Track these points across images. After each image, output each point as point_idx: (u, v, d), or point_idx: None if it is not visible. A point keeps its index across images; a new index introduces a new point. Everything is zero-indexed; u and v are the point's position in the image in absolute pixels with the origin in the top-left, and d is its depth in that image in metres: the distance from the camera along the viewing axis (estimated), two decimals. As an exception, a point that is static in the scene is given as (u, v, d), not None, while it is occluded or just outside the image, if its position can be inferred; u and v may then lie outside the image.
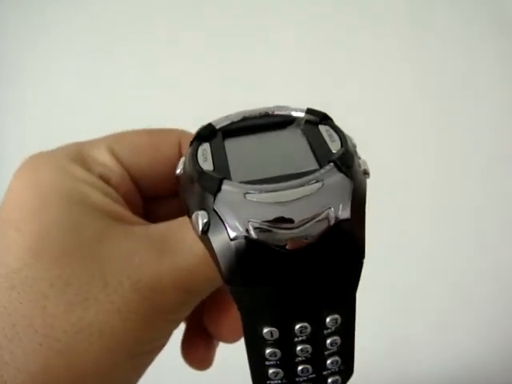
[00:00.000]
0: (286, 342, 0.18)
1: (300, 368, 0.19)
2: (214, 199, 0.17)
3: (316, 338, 0.19)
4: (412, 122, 0.61)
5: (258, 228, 0.16)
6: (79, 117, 0.57)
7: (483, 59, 0.62)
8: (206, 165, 0.19)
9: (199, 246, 0.19)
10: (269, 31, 0.61)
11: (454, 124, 0.62)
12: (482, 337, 0.60)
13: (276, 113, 0.22)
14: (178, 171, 0.20)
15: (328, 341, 0.19)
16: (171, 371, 0.40)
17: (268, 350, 0.19)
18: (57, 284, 0.18)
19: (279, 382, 0.20)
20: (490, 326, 0.60)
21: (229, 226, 0.16)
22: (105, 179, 0.22)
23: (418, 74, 0.62)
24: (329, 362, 0.19)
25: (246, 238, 0.16)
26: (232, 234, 0.16)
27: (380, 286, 0.59)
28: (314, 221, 0.16)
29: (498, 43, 0.62)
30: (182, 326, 0.28)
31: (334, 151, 0.19)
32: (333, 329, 0.19)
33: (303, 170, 0.18)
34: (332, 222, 0.16)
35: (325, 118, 0.21)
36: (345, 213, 0.17)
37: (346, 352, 0.20)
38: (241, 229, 0.16)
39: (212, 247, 0.17)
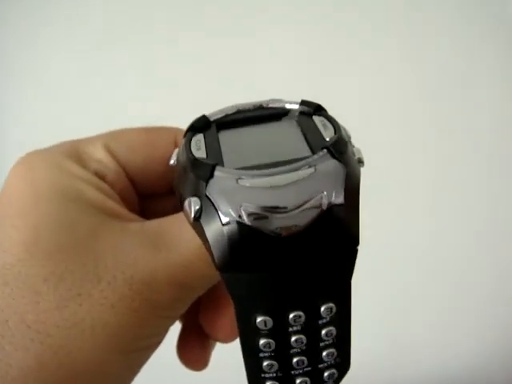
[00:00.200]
0: (280, 332, 0.18)
1: (295, 360, 0.19)
2: (206, 185, 0.17)
3: (311, 328, 0.18)
4: (412, 122, 0.61)
5: (251, 213, 0.16)
6: (79, 116, 0.57)
7: (483, 59, 0.62)
8: (199, 153, 0.19)
9: (195, 242, 0.19)
10: (268, 31, 0.61)
11: (453, 124, 0.62)
12: (482, 337, 0.60)
13: (270, 105, 0.22)
14: (171, 162, 0.20)
15: (323, 331, 0.19)
16: (166, 370, 0.40)
17: (262, 341, 0.18)
18: (50, 280, 0.18)
19: (274, 375, 0.19)
20: (490, 326, 0.60)
21: (221, 212, 0.16)
22: (100, 176, 0.22)
23: (418, 74, 0.62)
24: (324, 353, 0.19)
25: (238, 222, 0.16)
26: (224, 220, 0.16)
27: (380, 286, 0.59)
28: (307, 205, 0.16)
29: (498, 43, 0.62)
30: (178, 326, 0.28)
31: (327, 139, 0.19)
32: (328, 318, 0.18)
33: (296, 157, 0.18)
34: (325, 206, 0.16)
35: (319, 109, 0.21)
36: (338, 198, 0.17)
37: (342, 344, 0.19)
38: (233, 214, 0.16)
39: (204, 234, 0.17)
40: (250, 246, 0.16)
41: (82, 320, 0.18)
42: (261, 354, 0.19)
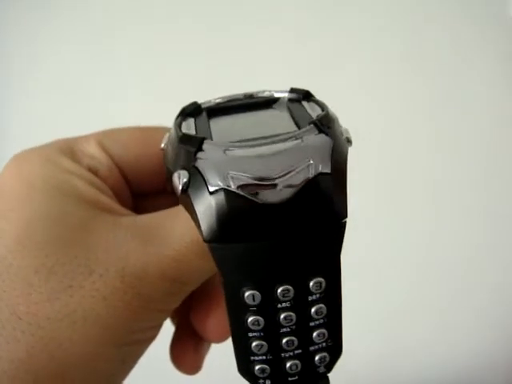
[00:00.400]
0: (268, 308, 0.18)
1: (285, 340, 0.19)
2: (195, 157, 0.17)
3: (300, 306, 0.18)
4: (412, 122, 0.61)
5: (238, 180, 0.16)
6: (78, 116, 0.57)
7: (483, 59, 0.62)
8: (189, 132, 0.19)
9: (187, 237, 0.19)
10: (268, 28, 0.61)
11: (453, 124, 0.61)
12: (482, 337, 0.59)
13: (260, 95, 0.23)
14: (162, 145, 0.20)
15: (313, 309, 0.18)
16: (163, 370, 0.40)
17: (250, 318, 0.18)
18: (41, 271, 0.18)
19: (263, 357, 0.19)
20: (490, 326, 0.60)
21: (209, 181, 0.16)
22: (93, 171, 0.22)
23: (417, 73, 0.62)
24: (315, 334, 0.19)
25: (225, 190, 0.16)
26: (212, 188, 0.16)
27: (380, 286, 0.59)
28: (294, 172, 0.16)
29: (498, 43, 0.62)
30: (172, 329, 0.28)
31: (314, 117, 0.19)
32: (317, 295, 0.18)
33: (283, 131, 0.18)
34: (311, 174, 0.16)
35: (308, 95, 0.22)
36: (325, 167, 0.17)
37: (333, 325, 0.19)
38: (220, 183, 0.16)
39: (192, 205, 0.17)
40: (238, 214, 0.16)
41: (74, 311, 0.18)
42: (250, 334, 0.18)
